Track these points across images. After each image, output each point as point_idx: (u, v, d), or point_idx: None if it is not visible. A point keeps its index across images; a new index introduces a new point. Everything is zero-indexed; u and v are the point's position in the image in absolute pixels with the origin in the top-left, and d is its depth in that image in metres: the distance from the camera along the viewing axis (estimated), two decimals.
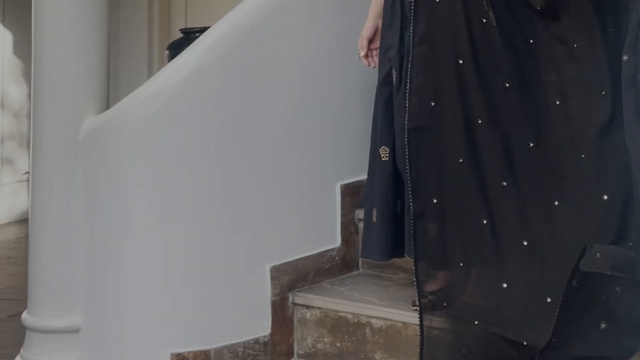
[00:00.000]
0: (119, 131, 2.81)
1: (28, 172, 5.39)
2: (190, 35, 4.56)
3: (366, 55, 2.80)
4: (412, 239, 2.38)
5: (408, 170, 2.42)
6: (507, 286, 2.25)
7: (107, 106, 2.94)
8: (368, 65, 2.82)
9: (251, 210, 2.86)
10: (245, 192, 2.85)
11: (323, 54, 3.11)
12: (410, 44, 2.48)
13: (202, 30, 4.53)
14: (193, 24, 5.06)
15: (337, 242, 3.09)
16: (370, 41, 2.79)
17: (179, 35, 4.64)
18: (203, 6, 5.47)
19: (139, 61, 5.51)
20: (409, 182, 2.42)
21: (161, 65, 5.02)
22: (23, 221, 5.33)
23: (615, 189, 2.22)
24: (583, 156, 2.27)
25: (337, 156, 3.13)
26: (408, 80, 2.46)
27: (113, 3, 3.59)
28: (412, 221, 2.39)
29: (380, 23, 2.77)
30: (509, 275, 2.27)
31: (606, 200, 2.22)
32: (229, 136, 2.83)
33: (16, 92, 5.61)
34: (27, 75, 5.60)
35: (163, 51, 5.09)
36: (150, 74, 5.16)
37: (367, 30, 2.79)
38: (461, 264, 2.34)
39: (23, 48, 5.54)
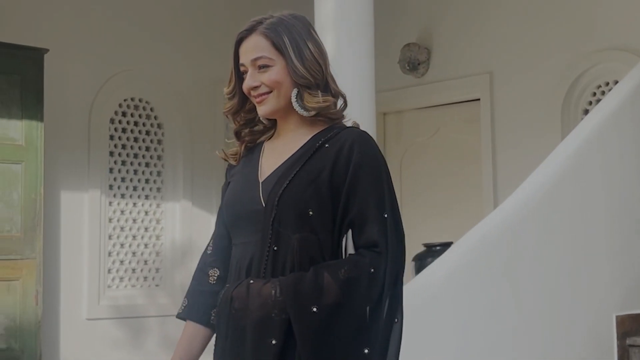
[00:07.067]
0: None
1: None
2: (431, 248, 5.20)
3: None
4: None
5: None
6: None
7: None
8: None
9: None
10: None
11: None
12: None
13: (443, 244, 5.15)
14: (433, 238, 5.60)
15: None
16: None
17: (422, 248, 5.28)
18: (441, 220, 6.18)
19: None
20: None
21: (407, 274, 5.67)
22: None
23: None
24: None
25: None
26: None
27: None
28: None
29: None
30: None
31: None
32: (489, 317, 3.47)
33: None
34: None
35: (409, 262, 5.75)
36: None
37: None
38: None
39: None
